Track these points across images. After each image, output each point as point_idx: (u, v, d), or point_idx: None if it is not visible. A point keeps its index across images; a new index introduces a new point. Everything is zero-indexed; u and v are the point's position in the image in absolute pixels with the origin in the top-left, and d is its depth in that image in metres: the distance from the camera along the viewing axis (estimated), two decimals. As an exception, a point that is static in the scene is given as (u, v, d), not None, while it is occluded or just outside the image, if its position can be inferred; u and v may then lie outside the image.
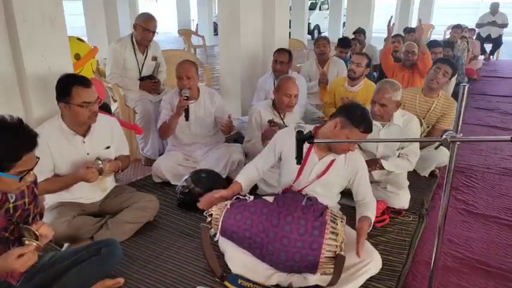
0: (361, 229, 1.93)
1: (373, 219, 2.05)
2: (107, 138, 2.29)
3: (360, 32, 6.18)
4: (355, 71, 3.61)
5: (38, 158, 1.46)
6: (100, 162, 2.16)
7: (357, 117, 1.96)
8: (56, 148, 2.09)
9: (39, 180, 1.98)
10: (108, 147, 2.28)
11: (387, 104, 2.54)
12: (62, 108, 2.08)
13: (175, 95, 3.01)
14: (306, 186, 2.13)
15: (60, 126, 2.12)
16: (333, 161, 2.11)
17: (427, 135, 3.28)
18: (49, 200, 2.22)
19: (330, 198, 2.20)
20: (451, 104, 3.18)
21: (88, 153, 2.19)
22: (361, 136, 1.97)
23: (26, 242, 1.42)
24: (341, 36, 6.37)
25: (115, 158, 2.34)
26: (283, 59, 3.67)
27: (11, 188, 1.43)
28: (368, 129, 1.98)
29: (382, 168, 2.62)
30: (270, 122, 2.85)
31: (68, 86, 2.02)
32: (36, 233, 1.46)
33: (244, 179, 2.21)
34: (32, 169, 1.43)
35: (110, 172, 2.25)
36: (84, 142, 2.17)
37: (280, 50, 3.73)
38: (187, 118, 2.93)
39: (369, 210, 2.07)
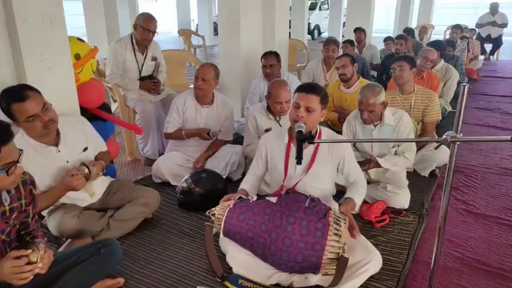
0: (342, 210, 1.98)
1: (357, 201, 2.10)
2: (81, 140, 2.20)
3: (360, 30, 6.17)
4: (344, 72, 3.60)
5: (21, 150, 1.42)
6: (85, 167, 2.08)
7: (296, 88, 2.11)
8: (32, 166, 1.79)
9: None
10: (85, 149, 2.20)
11: (374, 109, 2.58)
12: (18, 127, 1.94)
13: (189, 98, 3.00)
14: (298, 182, 2.13)
15: (28, 143, 1.97)
16: (316, 149, 2.11)
17: (421, 133, 3.30)
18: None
19: (326, 190, 2.21)
20: (430, 95, 3.27)
21: (68, 161, 2.11)
22: (300, 96, 2.02)
23: (32, 258, 1.41)
24: (341, 36, 6.37)
25: (96, 157, 2.29)
26: (271, 62, 3.69)
27: (3, 183, 1.40)
28: (303, 88, 2.06)
29: (377, 165, 2.63)
30: (267, 131, 2.85)
31: (7, 105, 1.88)
32: (40, 253, 1.45)
33: (247, 186, 2.24)
34: (17, 161, 1.39)
35: (97, 175, 2.16)
36: (59, 151, 2.07)
37: (266, 54, 3.74)
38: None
39: (353, 191, 2.13)
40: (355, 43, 5.78)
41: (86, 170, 2.08)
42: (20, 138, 1.96)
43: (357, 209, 2.43)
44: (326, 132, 2.18)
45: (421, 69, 4.15)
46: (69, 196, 2.14)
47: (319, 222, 1.84)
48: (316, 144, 2.12)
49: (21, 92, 1.88)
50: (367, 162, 2.66)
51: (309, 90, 2.02)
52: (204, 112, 3.01)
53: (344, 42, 5.47)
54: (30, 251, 1.41)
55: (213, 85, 2.95)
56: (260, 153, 2.27)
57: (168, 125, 3.04)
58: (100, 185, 2.34)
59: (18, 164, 1.41)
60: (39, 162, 1.99)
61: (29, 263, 1.40)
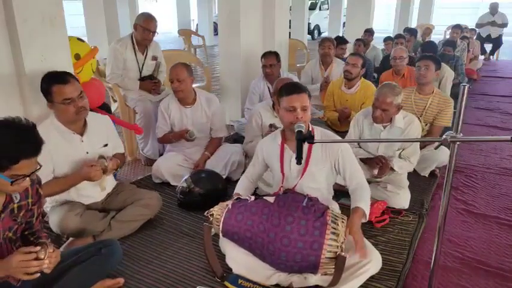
0: (352, 226, 1.88)
1: (366, 209, 1.98)
2: (104, 136, 2.28)
3: (370, 32, 6.19)
4: (351, 71, 3.61)
5: (40, 166, 1.45)
6: (105, 160, 2.15)
7: (279, 91, 2.07)
8: (55, 149, 2.05)
9: None
10: (105, 145, 2.27)
11: (388, 108, 2.55)
12: (50, 108, 2.08)
13: (172, 101, 3.02)
14: (297, 183, 2.13)
15: (56, 127, 2.09)
16: (310, 149, 2.09)
17: (427, 134, 3.28)
18: (51, 200, 2.23)
19: (323, 190, 2.19)
20: (446, 101, 3.23)
21: (87, 152, 2.18)
22: (293, 99, 1.97)
23: (40, 254, 1.42)
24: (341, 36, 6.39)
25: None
26: (271, 61, 3.70)
27: (2, 188, 1.42)
28: (291, 89, 2.01)
29: (391, 169, 2.63)
30: (271, 126, 2.86)
31: (47, 86, 2.03)
32: (48, 252, 1.46)
33: (241, 191, 2.22)
34: (28, 176, 1.41)
35: (111, 170, 2.23)
36: (82, 141, 2.16)
37: (266, 54, 3.75)
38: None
39: (359, 198, 2.02)
40: None
41: (105, 163, 2.14)
42: (49, 123, 2.10)
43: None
44: (320, 132, 2.16)
45: (398, 69, 4.23)
46: (79, 188, 2.18)
47: (317, 221, 1.83)
48: (309, 144, 2.09)
49: (63, 76, 2.05)
50: (382, 169, 2.62)
51: (299, 90, 2.01)
52: (189, 112, 3.02)
53: (357, 40, 5.49)
54: (39, 247, 1.43)
55: (189, 84, 2.94)
56: (257, 158, 2.27)
57: (157, 130, 3.08)
58: (110, 184, 2.39)
59: (27, 178, 1.42)
60: (61, 147, 2.09)
61: (37, 259, 1.42)
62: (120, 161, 2.33)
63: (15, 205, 1.51)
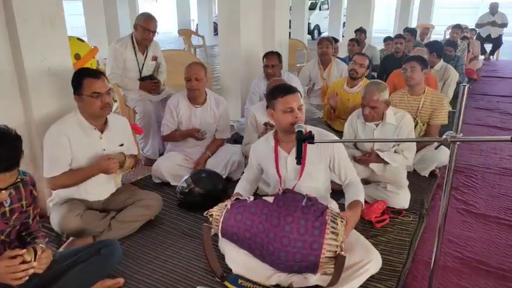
0: (356, 217, 1.95)
1: (361, 199, 2.03)
2: (121, 136, 2.35)
3: (361, 31, 6.19)
4: (357, 71, 3.62)
5: (21, 180, 1.42)
6: (123, 156, 2.23)
7: (272, 93, 2.06)
8: (75, 142, 2.15)
9: (57, 173, 2.10)
10: (121, 145, 2.34)
11: (377, 105, 2.57)
12: (77, 101, 2.16)
13: (182, 99, 3.02)
14: (295, 185, 2.12)
15: (78, 121, 2.18)
16: (305, 148, 2.08)
17: (425, 134, 3.28)
18: (55, 196, 2.25)
19: (321, 189, 2.20)
20: (440, 98, 3.22)
21: (104, 149, 2.24)
22: (289, 99, 1.98)
23: (26, 257, 1.40)
24: (341, 36, 6.40)
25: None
26: (273, 62, 3.69)
27: None
28: (285, 90, 2.02)
29: (378, 158, 2.64)
30: (266, 124, 2.85)
31: (79, 79, 2.12)
32: (38, 253, 1.45)
33: (241, 191, 2.22)
34: (4, 189, 1.36)
35: (128, 168, 2.31)
36: (101, 138, 2.23)
37: (268, 54, 3.74)
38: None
39: (356, 192, 2.07)
40: None
41: (123, 158, 2.24)
42: (72, 115, 2.19)
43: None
44: (315, 131, 2.14)
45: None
46: (89, 184, 2.23)
47: (317, 221, 1.83)
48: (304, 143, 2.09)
49: (96, 72, 2.19)
50: (367, 154, 2.68)
51: (293, 90, 2.02)
52: (198, 112, 3.03)
53: (351, 40, 5.48)
54: (24, 250, 1.41)
55: (205, 83, 2.98)
56: (251, 163, 2.29)
57: (163, 128, 3.08)
58: (119, 182, 2.43)
59: (3, 191, 1.37)
60: (81, 141, 2.18)
61: (24, 262, 1.39)
62: (134, 161, 2.40)
63: (7, 209, 1.49)
